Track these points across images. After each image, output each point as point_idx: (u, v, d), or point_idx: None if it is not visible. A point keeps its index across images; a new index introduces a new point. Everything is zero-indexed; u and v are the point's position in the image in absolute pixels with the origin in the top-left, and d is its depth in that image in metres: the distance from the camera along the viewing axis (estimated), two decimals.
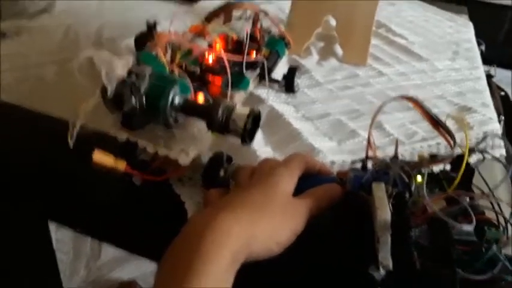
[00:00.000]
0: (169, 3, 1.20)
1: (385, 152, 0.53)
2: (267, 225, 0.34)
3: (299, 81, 0.65)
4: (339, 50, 0.78)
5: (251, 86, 0.51)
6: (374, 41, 0.86)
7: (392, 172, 0.37)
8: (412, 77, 0.75)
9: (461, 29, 1.02)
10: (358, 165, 0.42)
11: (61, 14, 0.98)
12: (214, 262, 0.30)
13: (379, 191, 0.35)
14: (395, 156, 0.40)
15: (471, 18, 1.12)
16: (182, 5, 1.03)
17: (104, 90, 0.37)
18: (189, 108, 0.39)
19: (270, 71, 0.53)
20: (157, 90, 0.37)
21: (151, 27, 0.70)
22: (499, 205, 0.34)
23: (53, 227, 0.79)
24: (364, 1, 0.76)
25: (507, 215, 0.33)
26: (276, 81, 0.63)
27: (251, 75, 0.50)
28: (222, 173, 0.42)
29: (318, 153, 0.51)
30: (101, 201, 0.45)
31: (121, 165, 0.40)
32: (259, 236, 0.33)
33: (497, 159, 0.35)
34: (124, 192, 0.44)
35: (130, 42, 0.73)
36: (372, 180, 0.37)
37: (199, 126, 0.41)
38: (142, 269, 1.15)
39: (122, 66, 0.35)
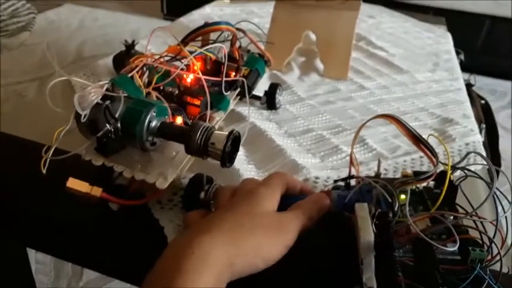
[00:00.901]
0: (150, 19, 1.19)
1: (368, 167, 0.53)
2: (249, 244, 0.34)
3: (280, 97, 0.65)
4: (319, 65, 0.78)
5: (232, 104, 0.50)
6: (355, 54, 0.86)
7: (376, 191, 0.37)
8: (394, 89, 0.75)
9: (440, 40, 1.03)
10: (342, 183, 0.42)
11: (41, 32, 0.97)
12: (196, 285, 0.29)
13: (362, 212, 0.34)
14: (378, 174, 0.40)
15: (449, 28, 1.14)
16: (163, 20, 1.03)
17: (77, 115, 0.36)
18: (166, 132, 0.38)
19: (251, 89, 0.52)
20: (133, 114, 0.36)
21: (130, 47, 0.69)
22: (482, 224, 0.33)
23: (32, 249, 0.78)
24: (343, 14, 0.76)
25: (491, 234, 0.33)
26: (258, 98, 0.63)
27: (231, 95, 0.49)
28: (202, 195, 0.41)
29: (302, 169, 0.51)
30: (78, 228, 0.44)
31: (97, 191, 0.38)
32: (242, 255, 0.33)
33: (480, 178, 0.35)
34: (101, 218, 0.42)
35: (109, 61, 0.73)
36: (355, 200, 0.37)
37: (177, 148, 0.40)
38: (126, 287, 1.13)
39: (96, 91, 0.34)
